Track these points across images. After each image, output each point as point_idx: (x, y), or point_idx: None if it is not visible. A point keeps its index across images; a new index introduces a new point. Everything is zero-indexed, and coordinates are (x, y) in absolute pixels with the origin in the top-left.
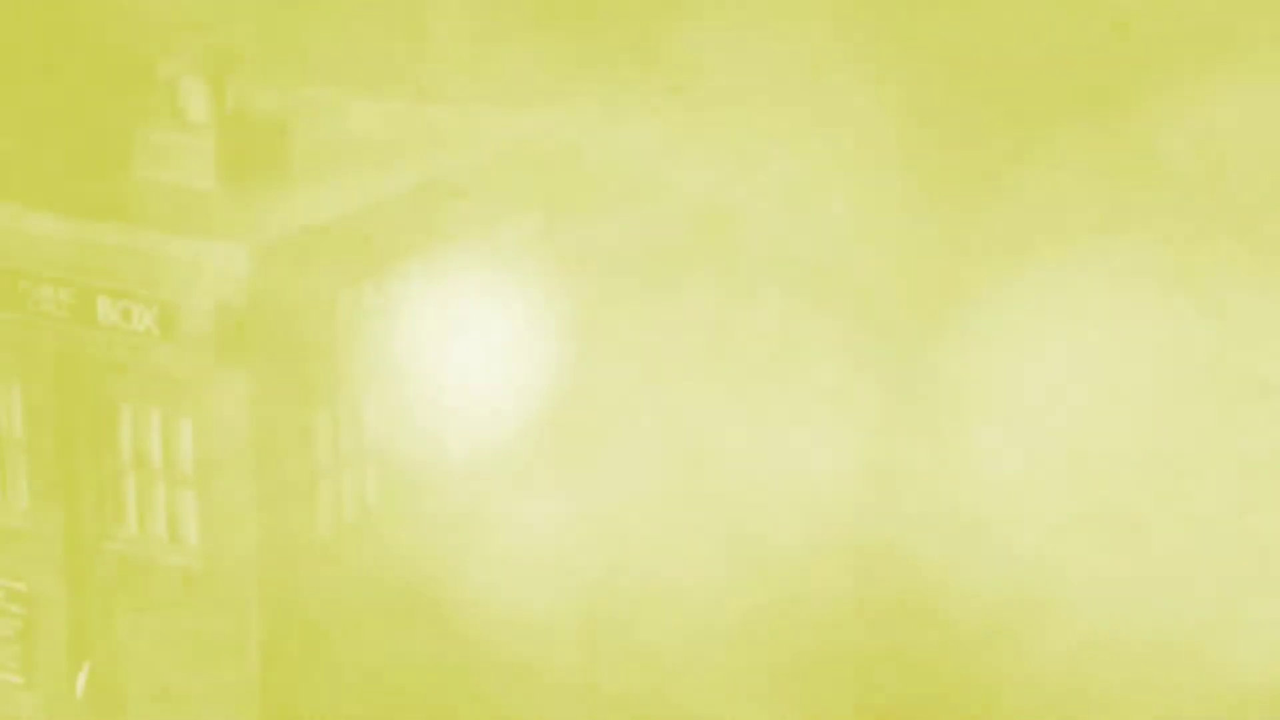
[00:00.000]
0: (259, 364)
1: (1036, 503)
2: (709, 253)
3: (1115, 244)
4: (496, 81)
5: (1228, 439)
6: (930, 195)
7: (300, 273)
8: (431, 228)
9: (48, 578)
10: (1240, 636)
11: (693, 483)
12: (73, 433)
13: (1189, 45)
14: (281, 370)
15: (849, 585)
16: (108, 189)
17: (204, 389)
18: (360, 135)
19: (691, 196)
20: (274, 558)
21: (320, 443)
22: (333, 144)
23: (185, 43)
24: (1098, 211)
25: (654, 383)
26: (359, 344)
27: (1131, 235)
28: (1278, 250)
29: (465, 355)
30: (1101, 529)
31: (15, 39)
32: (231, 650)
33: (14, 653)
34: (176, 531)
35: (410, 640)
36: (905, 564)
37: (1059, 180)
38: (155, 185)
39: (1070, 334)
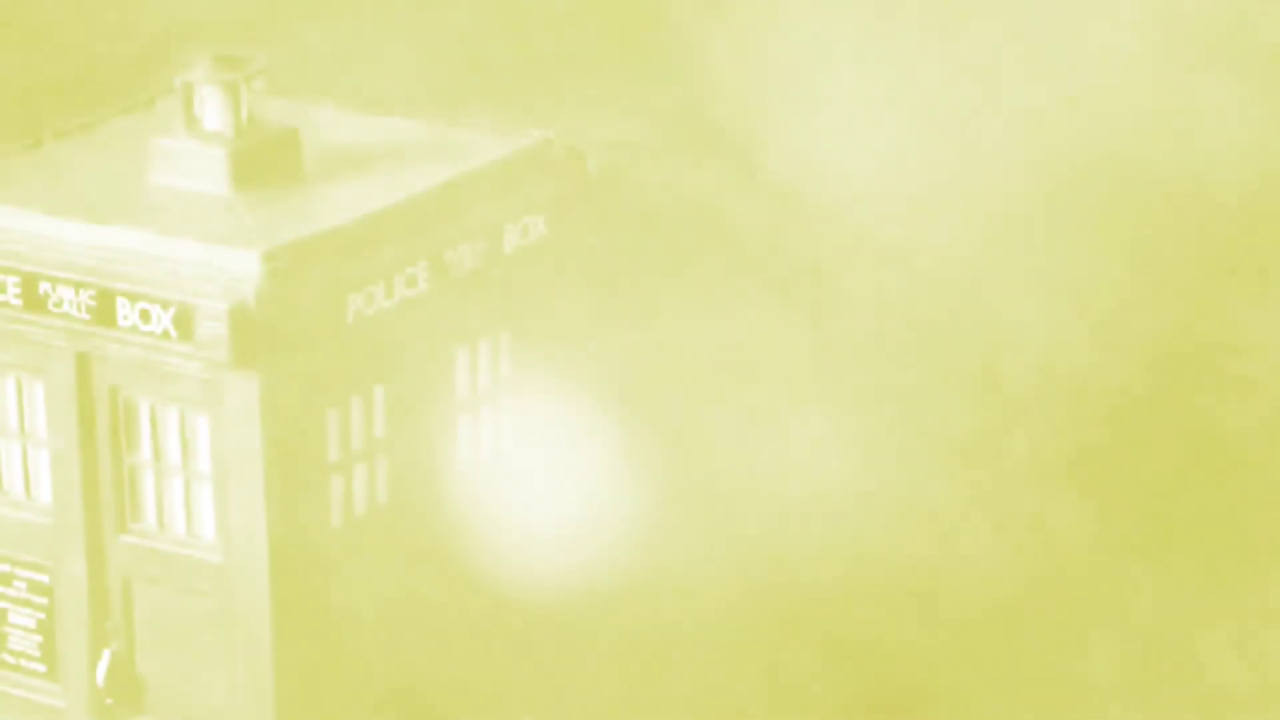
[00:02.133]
0: (272, 364)
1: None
2: (709, 254)
3: None
4: (499, 96)
5: None
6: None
7: (311, 276)
8: (438, 232)
9: (70, 570)
10: None
11: (695, 480)
12: (93, 430)
13: None
14: (293, 370)
15: (848, 580)
16: (127, 195)
17: (219, 388)
18: (368, 145)
19: (690, 198)
20: (287, 550)
21: (331, 439)
22: (342, 153)
23: (201, 54)
24: None
25: (658, 382)
26: (368, 344)
27: None
28: None
29: (472, 354)
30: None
31: (36, 50)
32: (246, 638)
33: (37, 642)
34: (193, 526)
35: (421, 628)
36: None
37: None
38: (172, 191)
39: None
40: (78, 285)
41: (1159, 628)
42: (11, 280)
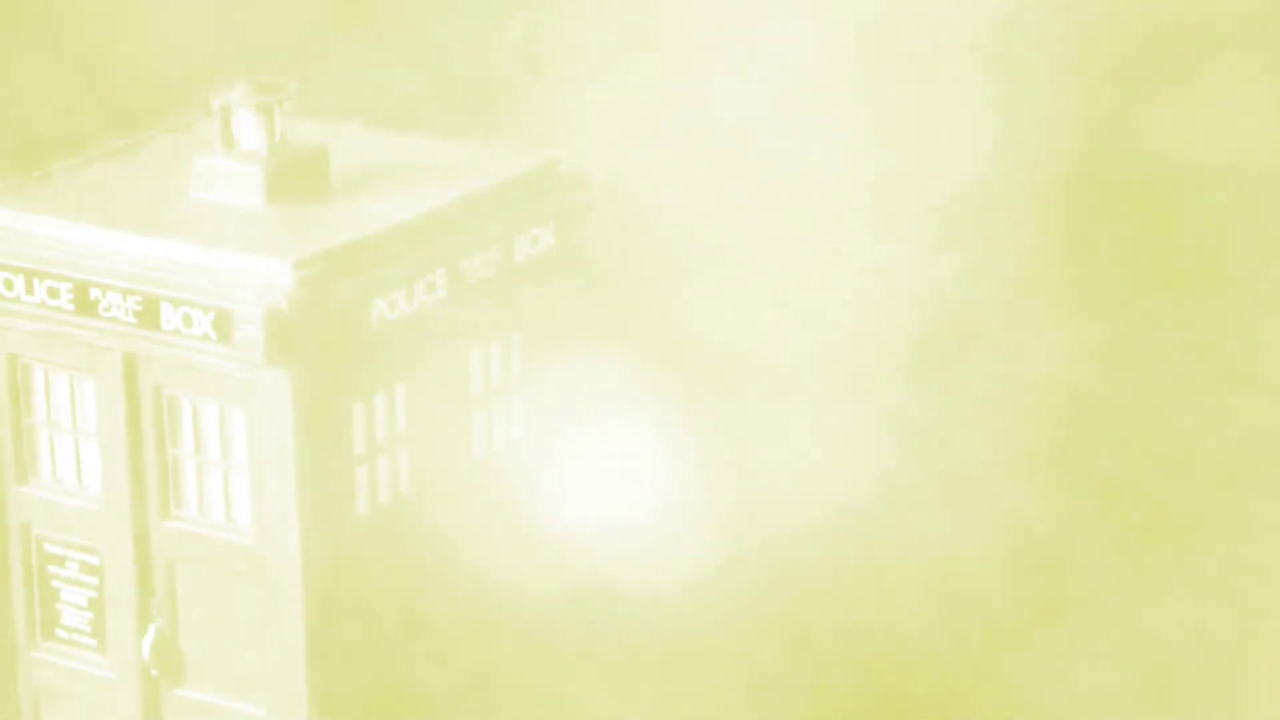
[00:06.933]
0: (303, 363)
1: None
2: (703, 262)
3: None
4: (513, 118)
5: None
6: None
7: (339, 283)
8: (455, 243)
9: (118, 552)
10: None
11: (690, 475)
12: (139, 424)
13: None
14: (323, 369)
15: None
16: (170, 209)
17: (254, 385)
18: (391, 163)
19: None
20: (317, 536)
21: (357, 433)
22: (367, 170)
23: (237, 80)
24: None
25: (657, 381)
26: (391, 346)
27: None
28: None
29: (485, 354)
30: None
31: (87, 79)
32: (279, 614)
33: (88, 619)
34: (231, 512)
35: (438, 611)
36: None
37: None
38: (211, 205)
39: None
40: (125, 292)
41: (1116, 605)
42: (65, 287)
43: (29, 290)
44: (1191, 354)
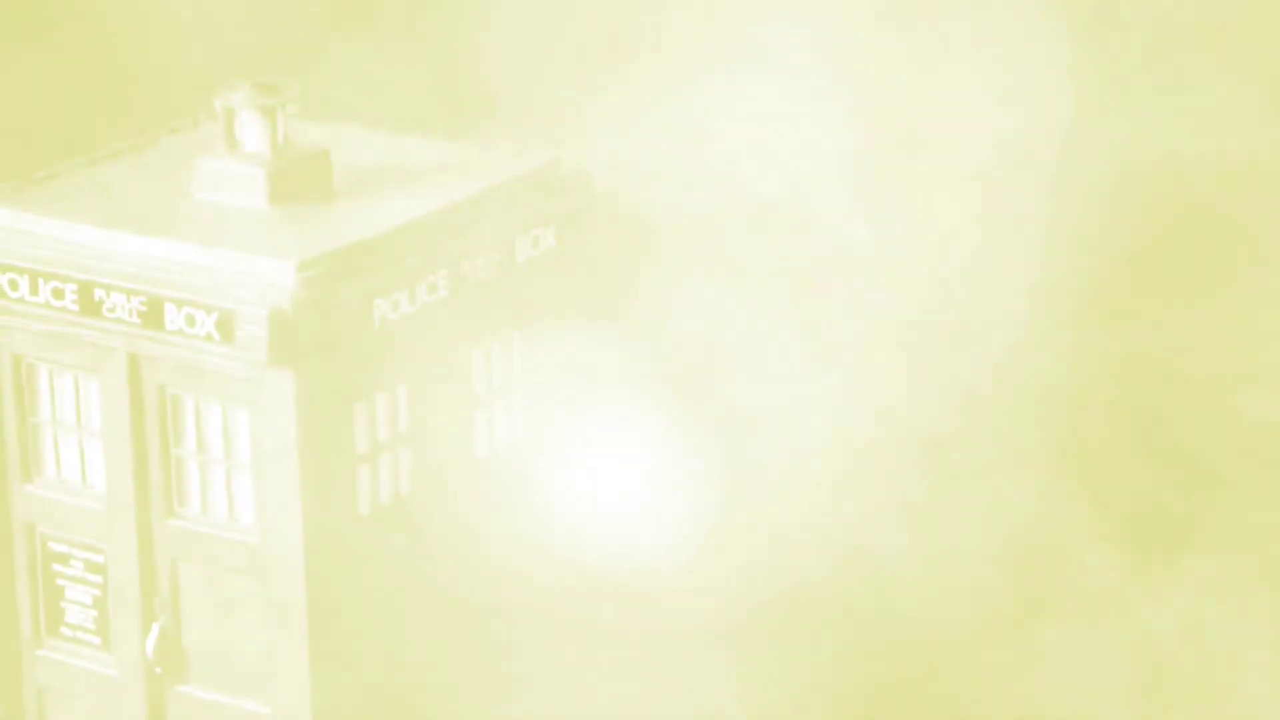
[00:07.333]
0: (305, 363)
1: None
2: (700, 264)
3: None
4: (513, 120)
5: None
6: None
7: (341, 283)
8: (456, 244)
9: (122, 551)
10: None
11: (697, 477)
12: (143, 424)
13: None
14: (325, 369)
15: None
16: (174, 210)
17: (257, 386)
18: (393, 165)
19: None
20: (319, 534)
21: (360, 432)
22: (369, 172)
23: (241, 82)
24: None
25: (655, 381)
26: (393, 346)
27: None
28: None
29: (487, 355)
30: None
31: (91, 80)
32: (282, 613)
33: (93, 616)
34: (234, 511)
35: (440, 608)
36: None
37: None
38: (214, 206)
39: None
40: (129, 292)
41: (1110, 603)
42: (69, 288)
43: (34, 291)
44: (1191, 354)
